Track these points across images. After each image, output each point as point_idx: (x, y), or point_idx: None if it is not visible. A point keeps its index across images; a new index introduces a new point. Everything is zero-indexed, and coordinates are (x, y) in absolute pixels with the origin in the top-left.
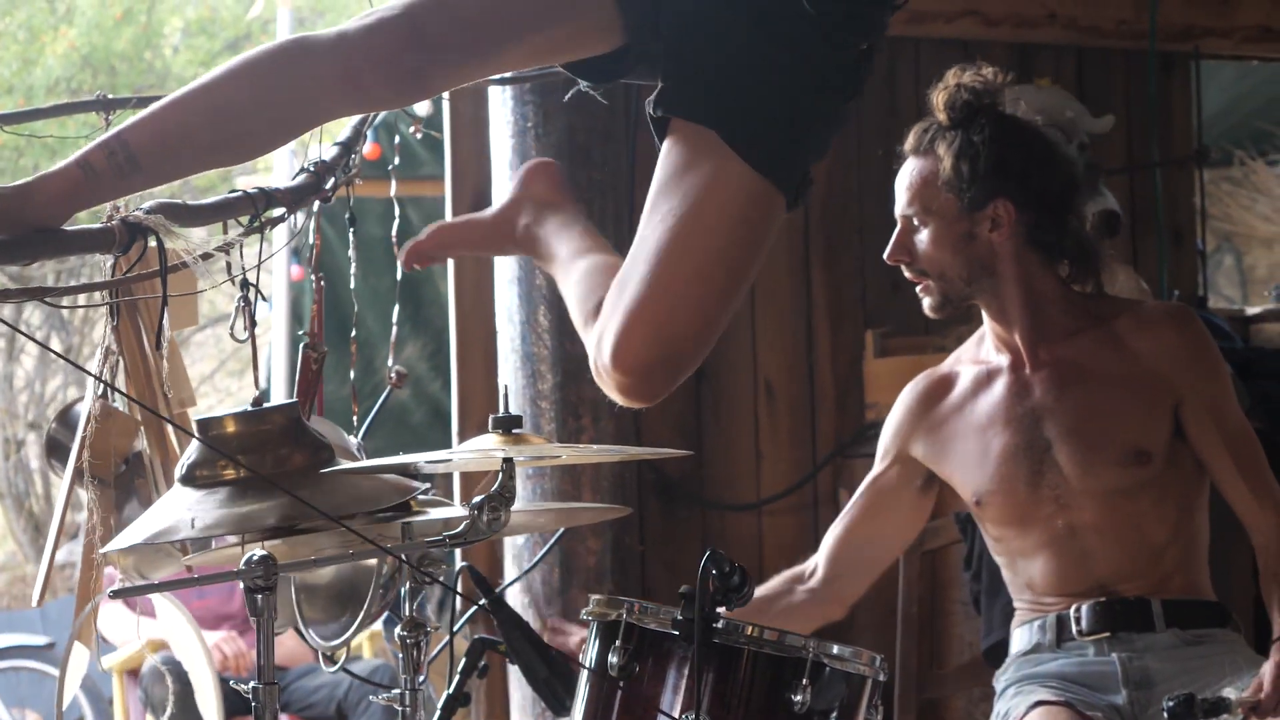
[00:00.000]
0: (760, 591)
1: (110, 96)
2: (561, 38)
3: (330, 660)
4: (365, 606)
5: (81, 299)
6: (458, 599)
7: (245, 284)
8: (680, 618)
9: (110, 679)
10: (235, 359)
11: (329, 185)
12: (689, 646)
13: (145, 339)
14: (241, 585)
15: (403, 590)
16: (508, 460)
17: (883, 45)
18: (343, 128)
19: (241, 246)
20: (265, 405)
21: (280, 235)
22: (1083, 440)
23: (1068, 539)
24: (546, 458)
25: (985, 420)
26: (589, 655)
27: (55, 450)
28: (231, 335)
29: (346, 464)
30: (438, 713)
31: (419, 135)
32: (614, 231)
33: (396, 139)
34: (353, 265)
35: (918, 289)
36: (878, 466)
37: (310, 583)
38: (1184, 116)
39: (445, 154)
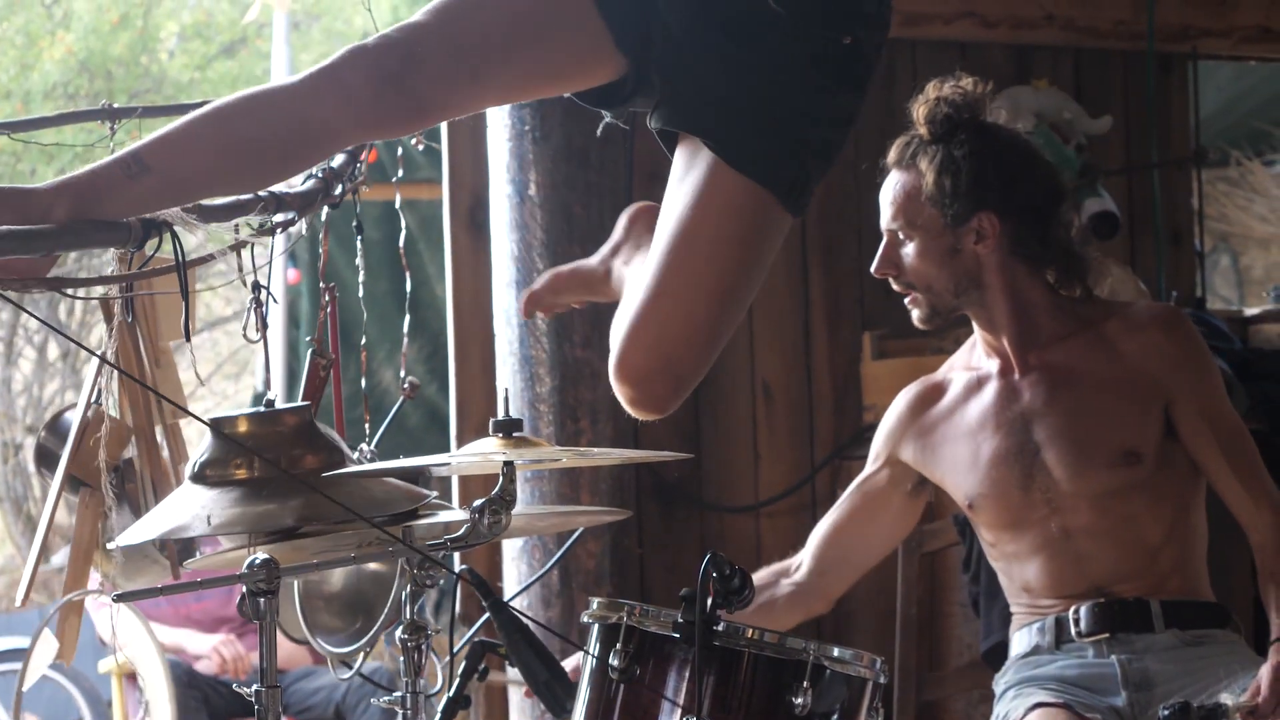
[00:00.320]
0: None
1: (115, 106)
2: (555, 59)
3: (346, 666)
4: (385, 612)
5: (98, 291)
6: (457, 601)
7: (256, 285)
8: (681, 620)
9: (109, 682)
10: (232, 362)
11: (337, 191)
12: (690, 649)
13: (143, 348)
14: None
15: (403, 593)
16: (509, 464)
17: (878, 37)
18: None
19: (252, 248)
20: (278, 407)
21: (279, 239)
22: (1072, 443)
23: (1062, 541)
24: (547, 461)
25: (976, 425)
26: (590, 658)
27: (45, 458)
28: (244, 336)
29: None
30: (438, 715)
31: (421, 146)
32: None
33: (400, 150)
34: (360, 273)
35: (906, 301)
36: (868, 468)
37: (320, 591)
38: (1182, 117)
39: (443, 158)
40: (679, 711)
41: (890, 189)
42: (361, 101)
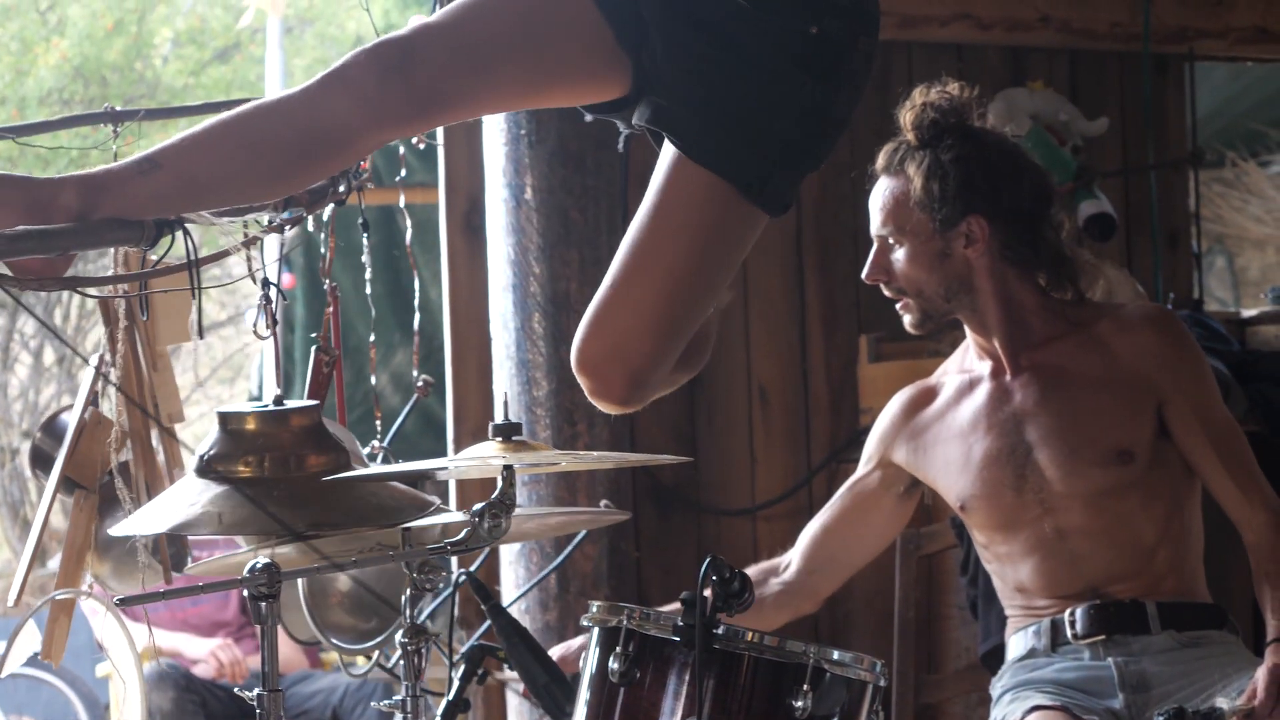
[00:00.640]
0: None
1: (118, 109)
2: (558, 54)
3: (365, 660)
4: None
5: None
6: (455, 605)
7: (266, 282)
8: (681, 624)
9: (106, 686)
10: (226, 367)
11: (342, 189)
12: (690, 652)
13: (141, 351)
14: (246, 593)
15: (403, 597)
16: (508, 467)
17: (856, 28)
18: None
19: (262, 245)
20: (287, 405)
21: (272, 241)
22: (1064, 442)
23: (1056, 542)
24: (546, 465)
25: (968, 426)
26: (590, 662)
27: (40, 459)
28: (255, 332)
29: (358, 471)
30: (438, 719)
31: (422, 145)
32: (608, 237)
33: (401, 150)
34: (367, 271)
35: (898, 306)
36: (860, 470)
37: (333, 588)
38: (1178, 118)
39: (439, 162)
40: (679, 715)
41: (879, 195)
42: (369, 95)
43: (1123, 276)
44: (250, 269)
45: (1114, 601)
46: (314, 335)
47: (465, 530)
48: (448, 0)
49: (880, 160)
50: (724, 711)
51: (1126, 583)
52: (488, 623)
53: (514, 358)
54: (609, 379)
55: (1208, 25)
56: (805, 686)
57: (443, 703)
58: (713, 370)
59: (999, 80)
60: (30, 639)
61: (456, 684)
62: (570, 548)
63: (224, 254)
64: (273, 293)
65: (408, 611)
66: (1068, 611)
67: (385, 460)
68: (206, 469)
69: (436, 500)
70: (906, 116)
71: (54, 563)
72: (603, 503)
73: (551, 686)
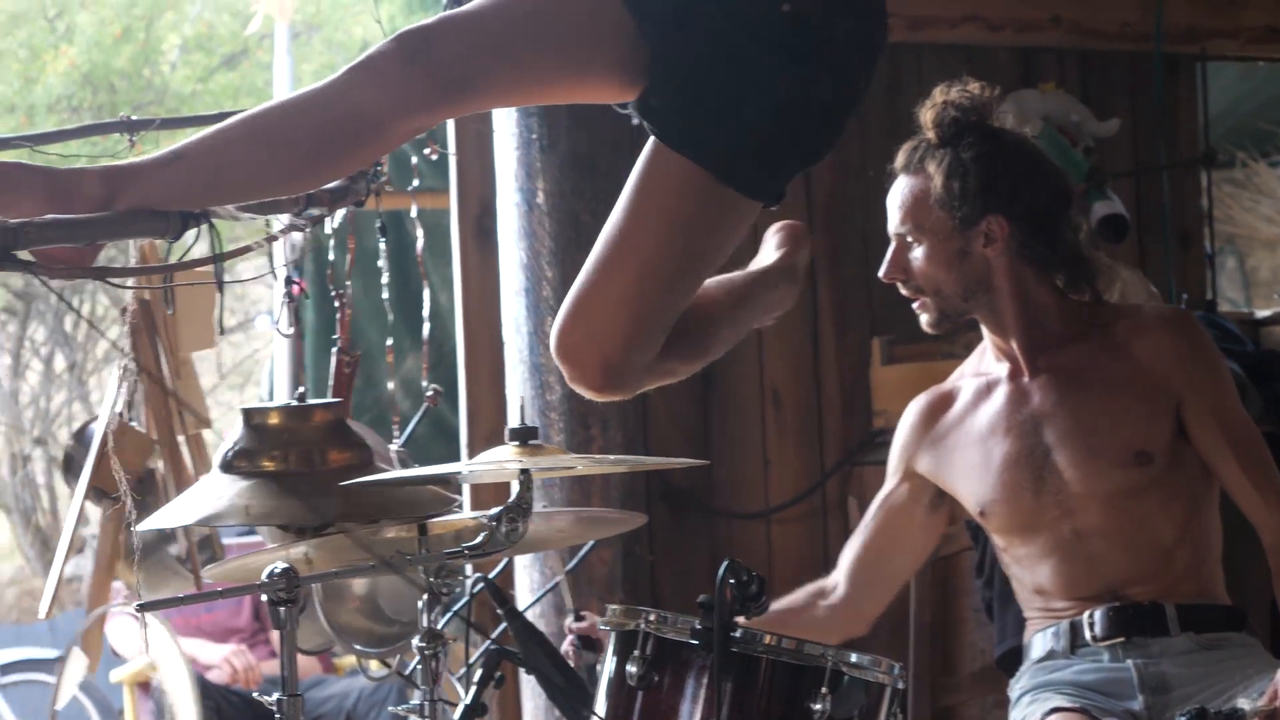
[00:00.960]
0: (782, 604)
1: (133, 119)
2: (579, 36)
3: (383, 665)
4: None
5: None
6: (471, 610)
7: (289, 280)
8: (699, 627)
9: (121, 691)
10: (237, 373)
11: (360, 189)
12: (708, 656)
13: (164, 360)
14: (265, 597)
15: (419, 602)
16: (525, 472)
17: (836, 8)
18: None
19: (285, 244)
20: (310, 402)
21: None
22: (1082, 444)
23: (1074, 544)
24: (563, 469)
25: (986, 430)
26: (607, 665)
27: (72, 466)
28: (276, 329)
29: (380, 471)
30: None
31: (435, 156)
32: None
33: (414, 159)
34: (384, 275)
35: (914, 305)
36: (888, 484)
37: (348, 593)
38: (1190, 119)
39: (450, 167)
40: (697, 718)
41: (898, 193)
42: (393, 82)
43: (1136, 277)
44: (272, 265)
45: (1133, 603)
46: (335, 338)
47: (482, 535)
48: (461, 2)
49: (900, 159)
50: (742, 714)
51: (1145, 584)
52: (501, 627)
53: (527, 362)
54: (584, 365)
55: (1219, 25)
56: (823, 689)
57: (460, 707)
58: (725, 373)
59: (1009, 82)
60: (79, 665)
61: (474, 688)
62: (581, 554)
63: (247, 249)
64: (295, 290)
65: (425, 617)
66: (1086, 613)
67: (404, 463)
68: (230, 465)
69: (457, 498)
70: (927, 115)
71: (67, 568)
72: None
73: (568, 690)
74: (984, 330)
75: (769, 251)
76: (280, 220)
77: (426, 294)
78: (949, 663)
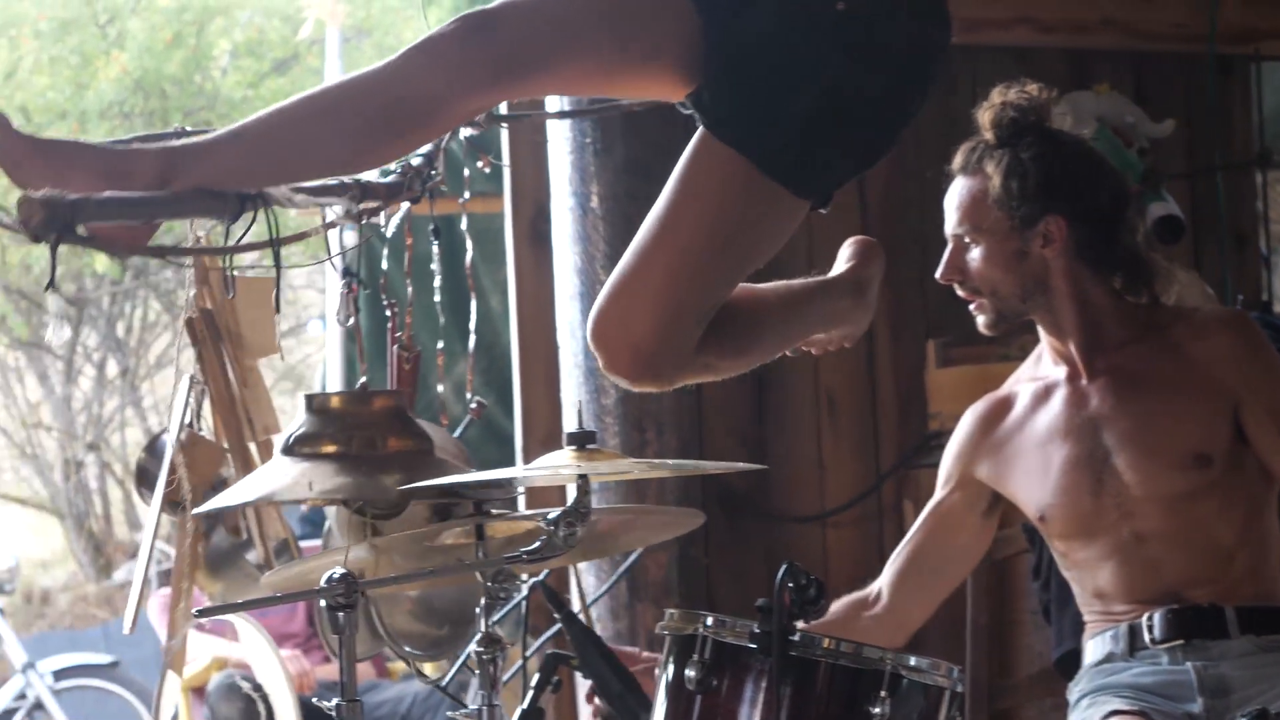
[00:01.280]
0: (823, 619)
1: (188, 129)
2: (641, 38)
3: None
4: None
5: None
6: (524, 614)
7: (347, 271)
8: (758, 631)
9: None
10: (288, 378)
11: (417, 187)
12: (766, 659)
13: (229, 368)
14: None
15: (478, 607)
16: (583, 476)
17: (897, 8)
18: None
19: (341, 234)
20: (371, 390)
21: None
22: (1142, 446)
23: (1134, 547)
24: (620, 473)
25: (1045, 434)
26: (666, 670)
27: (145, 479)
28: (338, 320)
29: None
30: None
31: (488, 169)
32: None
33: (466, 172)
34: (437, 278)
35: (971, 307)
36: (940, 492)
37: (404, 595)
38: (1244, 119)
39: (504, 172)
40: None
41: (956, 194)
42: (452, 61)
43: (1192, 279)
44: (329, 252)
45: (1192, 606)
46: (398, 335)
47: (541, 539)
48: None
49: (957, 160)
50: (801, 719)
51: (1205, 587)
52: (551, 630)
53: (582, 366)
54: (615, 352)
55: (1274, 25)
56: (883, 693)
57: (517, 711)
58: (780, 377)
59: (1061, 84)
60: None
61: (531, 692)
62: (633, 558)
63: (305, 234)
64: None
65: (483, 621)
66: (1145, 616)
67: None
68: (292, 449)
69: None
70: (986, 115)
71: (119, 574)
72: None
73: (625, 695)
74: (1041, 332)
75: (839, 265)
76: (336, 210)
77: (474, 306)
78: (1006, 666)
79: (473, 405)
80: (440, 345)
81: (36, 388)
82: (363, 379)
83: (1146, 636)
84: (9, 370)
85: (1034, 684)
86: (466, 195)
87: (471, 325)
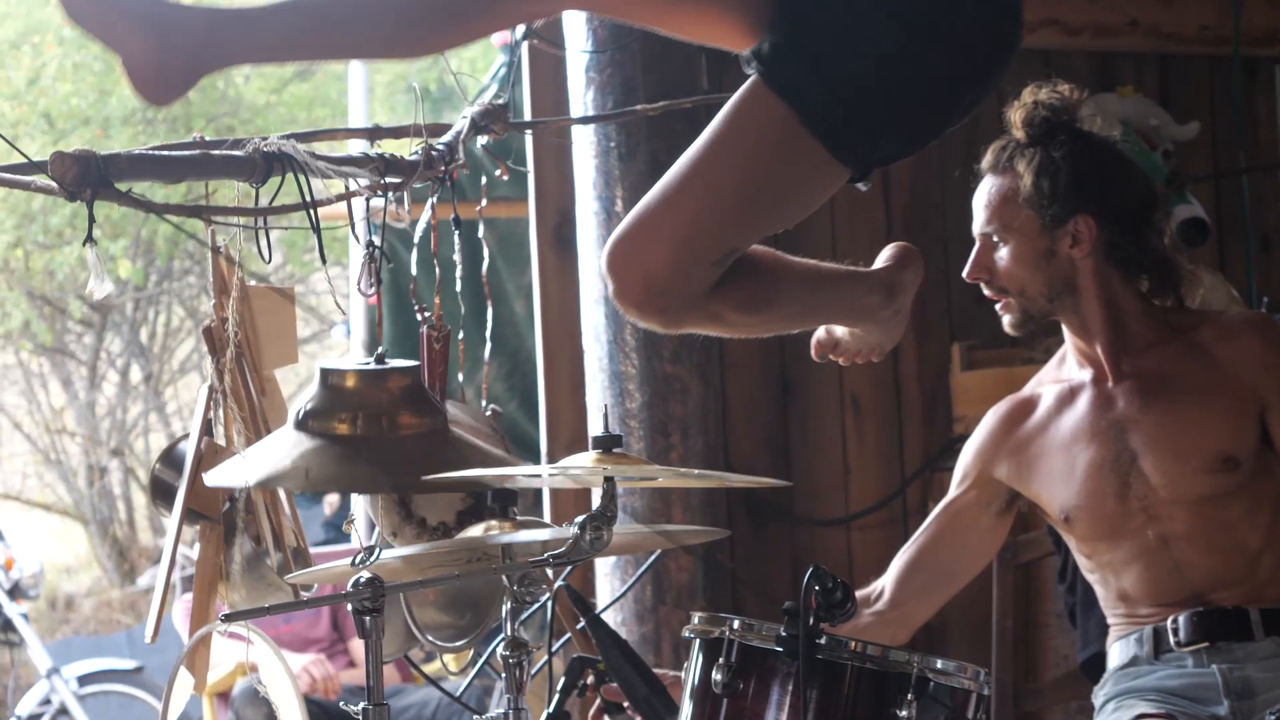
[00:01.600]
0: None
1: (208, 139)
2: None
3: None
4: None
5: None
6: (550, 617)
7: (371, 244)
8: (784, 634)
9: (200, 702)
10: (310, 383)
11: (443, 167)
12: (793, 663)
13: (250, 379)
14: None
15: (504, 610)
16: (609, 480)
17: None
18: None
19: (368, 206)
20: (388, 364)
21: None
22: (1168, 449)
23: (1160, 549)
24: (646, 480)
25: (1070, 436)
26: (692, 673)
27: (160, 490)
28: (360, 290)
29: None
30: None
31: (505, 177)
32: None
33: (484, 180)
34: (458, 268)
35: (998, 307)
36: (954, 490)
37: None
38: (1269, 121)
39: (529, 177)
40: None
41: (985, 192)
42: None
43: (1218, 281)
44: (352, 224)
45: (1217, 608)
46: (428, 314)
47: (568, 542)
48: None
49: (988, 158)
50: None
51: (1230, 590)
52: (578, 627)
53: (606, 370)
54: (627, 279)
55: None
56: (909, 696)
57: (543, 715)
58: (804, 380)
59: (1087, 85)
60: (185, 685)
61: (557, 696)
62: (651, 559)
63: (339, 198)
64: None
65: (509, 624)
66: (1170, 619)
67: (494, 427)
68: (303, 423)
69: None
70: (1017, 114)
71: (143, 579)
72: None
73: (652, 699)
74: (1066, 334)
75: (876, 264)
76: (360, 182)
77: (490, 313)
78: (1031, 669)
79: (488, 414)
80: (460, 335)
81: (60, 393)
82: (381, 349)
83: (1171, 639)
84: (33, 376)
85: (1059, 687)
86: (484, 202)
87: (488, 333)
